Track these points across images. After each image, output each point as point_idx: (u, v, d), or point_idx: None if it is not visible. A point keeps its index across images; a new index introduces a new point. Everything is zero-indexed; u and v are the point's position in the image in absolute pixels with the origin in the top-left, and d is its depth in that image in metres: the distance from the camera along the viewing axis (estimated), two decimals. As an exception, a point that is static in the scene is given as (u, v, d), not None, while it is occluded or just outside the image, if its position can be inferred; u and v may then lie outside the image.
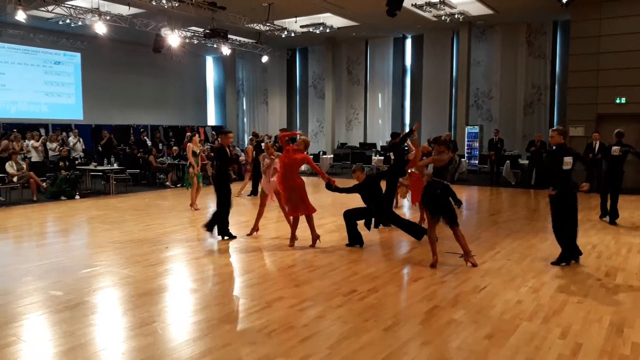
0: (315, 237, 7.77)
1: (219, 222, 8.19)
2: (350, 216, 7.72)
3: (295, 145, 7.69)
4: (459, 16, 17.05)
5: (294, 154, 7.60)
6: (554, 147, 6.60)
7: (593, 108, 15.74)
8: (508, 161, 16.78)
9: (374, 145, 21.48)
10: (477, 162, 19.05)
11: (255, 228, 8.59)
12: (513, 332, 4.48)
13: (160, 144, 19.46)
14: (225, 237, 8.28)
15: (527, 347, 4.17)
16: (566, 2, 13.69)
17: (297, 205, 7.61)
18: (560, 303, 5.26)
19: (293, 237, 7.85)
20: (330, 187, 7.65)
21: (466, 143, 19.23)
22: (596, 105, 15.71)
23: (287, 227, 8.40)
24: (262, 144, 13.42)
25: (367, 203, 7.73)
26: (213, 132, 23.93)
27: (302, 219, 7.81)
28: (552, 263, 6.66)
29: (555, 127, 6.81)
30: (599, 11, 15.38)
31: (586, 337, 4.40)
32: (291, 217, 7.90)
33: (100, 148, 18.38)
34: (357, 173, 7.77)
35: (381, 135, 22.44)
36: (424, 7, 16.08)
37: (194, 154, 11.20)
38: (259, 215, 8.60)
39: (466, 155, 19.12)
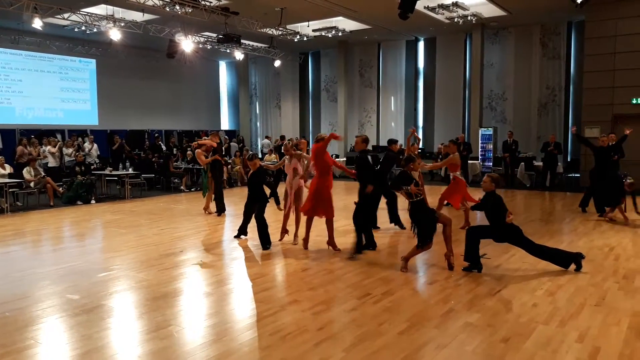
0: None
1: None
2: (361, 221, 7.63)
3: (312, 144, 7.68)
4: (472, 18, 16.96)
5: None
6: None
7: (609, 109, 15.55)
8: (522, 163, 16.63)
9: (387, 148, 21.40)
10: (491, 164, 18.89)
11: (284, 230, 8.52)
12: (529, 335, 4.44)
13: (174, 149, 19.58)
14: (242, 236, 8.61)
15: (543, 351, 4.12)
16: (580, 2, 13.55)
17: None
18: (578, 306, 5.19)
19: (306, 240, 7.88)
20: None
21: (480, 145, 19.09)
22: (612, 105, 15.52)
23: (300, 232, 8.38)
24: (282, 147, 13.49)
25: (360, 180, 7.53)
26: (226, 137, 24.04)
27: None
28: (575, 270, 6.53)
29: None
30: (614, 11, 15.20)
31: (604, 340, 4.33)
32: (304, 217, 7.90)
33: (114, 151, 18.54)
34: (357, 140, 7.56)
35: (394, 137, 22.38)
36: (437, 9, 16.02)
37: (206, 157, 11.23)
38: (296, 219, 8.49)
39: (480, 157, 18.99)
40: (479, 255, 6.52)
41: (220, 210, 11.18)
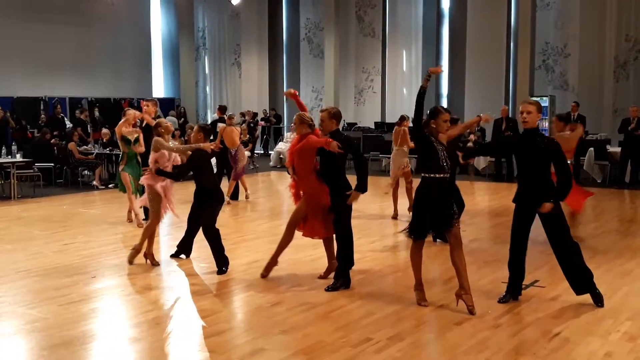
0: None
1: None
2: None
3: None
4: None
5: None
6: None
7: None
8: (592, 149, 16.75)
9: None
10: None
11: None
12: (600, 398, 4.49)
13: (89, 126, 19.39)
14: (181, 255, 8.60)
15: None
16: None
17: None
18: (669, 356, 5.27)
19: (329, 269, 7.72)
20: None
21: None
22: None
23: (269, 247, 8.38)
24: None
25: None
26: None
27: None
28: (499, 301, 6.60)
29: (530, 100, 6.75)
30: None
31: None
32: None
33: None
34: (323, 116, 7.38)
35: (407, 110, 22.32)
36: None
37: (126, 140, 10.85)
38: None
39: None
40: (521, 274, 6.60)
41: None
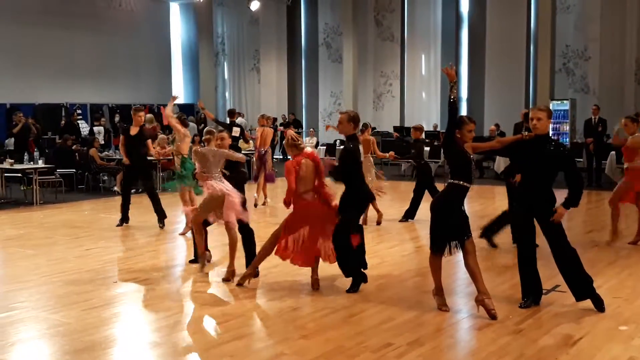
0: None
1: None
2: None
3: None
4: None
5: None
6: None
7: None
8: (613, 152, 16.62)
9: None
10: (567, 153, 18.91)
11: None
12: (623, 404, 4.46)
13: (107, 133, 19.53)
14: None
15: None
16: None
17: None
18: (693, 362, 5.22)
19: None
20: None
21: (551, 125, 19.11)
22: None
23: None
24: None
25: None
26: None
27: None
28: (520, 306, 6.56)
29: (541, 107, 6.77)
30: None
31: None
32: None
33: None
34: (342, 118, 7.43)
35: (426, 115, 22.36)
36: None
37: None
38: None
39: (551, 143, 18.99)
40: (533, 279, 6.58)
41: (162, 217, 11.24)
